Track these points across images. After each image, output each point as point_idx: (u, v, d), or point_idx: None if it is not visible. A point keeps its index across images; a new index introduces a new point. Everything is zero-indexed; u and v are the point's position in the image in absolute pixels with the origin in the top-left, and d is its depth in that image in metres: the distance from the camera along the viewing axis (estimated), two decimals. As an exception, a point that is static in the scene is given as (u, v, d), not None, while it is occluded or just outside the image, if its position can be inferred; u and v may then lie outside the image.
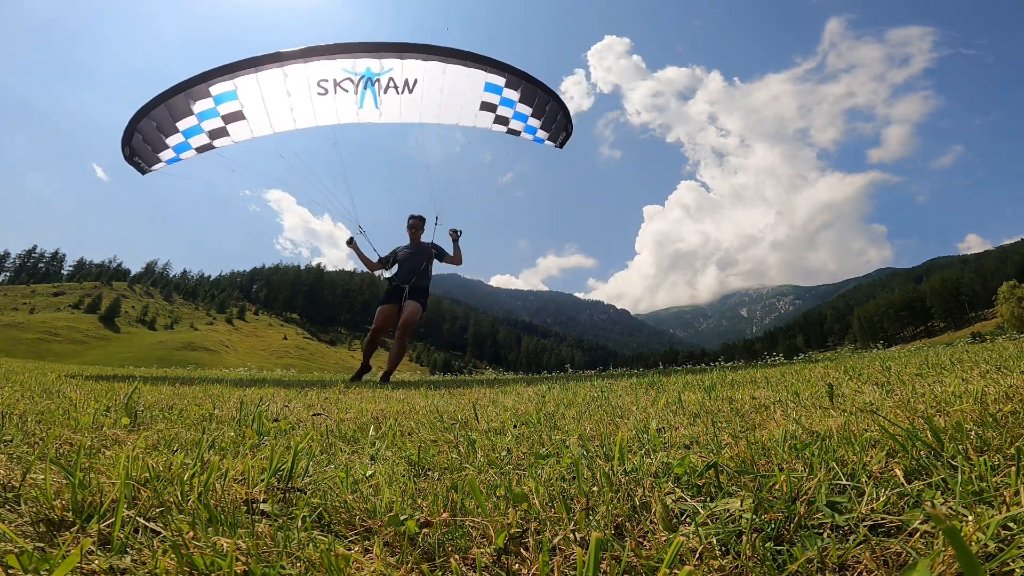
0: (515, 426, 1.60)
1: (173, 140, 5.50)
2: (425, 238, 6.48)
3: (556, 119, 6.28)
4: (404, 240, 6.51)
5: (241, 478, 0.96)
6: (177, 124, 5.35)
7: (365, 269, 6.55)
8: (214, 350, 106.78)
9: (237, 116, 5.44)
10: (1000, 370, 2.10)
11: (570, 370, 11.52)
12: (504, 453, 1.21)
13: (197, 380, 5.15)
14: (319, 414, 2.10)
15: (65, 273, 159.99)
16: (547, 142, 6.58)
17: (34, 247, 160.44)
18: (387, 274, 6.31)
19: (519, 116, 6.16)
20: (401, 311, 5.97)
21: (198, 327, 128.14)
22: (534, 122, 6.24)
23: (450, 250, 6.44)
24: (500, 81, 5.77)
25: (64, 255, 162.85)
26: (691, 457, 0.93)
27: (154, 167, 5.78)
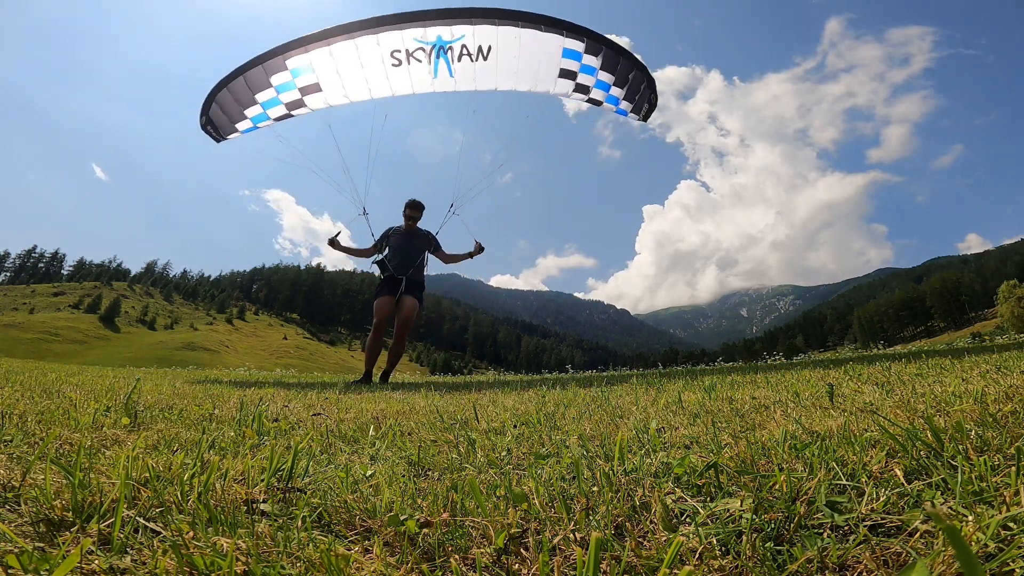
0: (515, 426, 1.60)
1: (252, 111, 5.66)
2: (433, 227, 6.10)
3: (640, 90, 5.94)
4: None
5: (241, 478, 0.96)
6: (256, 96, 5.51)
7: (357, 262, 6.34)
8: (214, 350, 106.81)
9: (314, 88, 5.55)
10: (1000, 370, 2.10)
11: (571, 370, 11.53)
12: (504, 453, 1.21)
13: (197, 380, 5.15)
14: (319, 414, 2.10)
15: (65, 273, 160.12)
16: (630, 114, 6.22)
17: (34, 247, 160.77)
18: (378, 257, 5.89)
19: (601, 85, 5.82)
20: (398, 304, 5.65)
21: (198, 327, 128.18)
22: (616, 91, 5.92)
23: (450, 249, 6.06)
24: (579, 47, 5.48)
25: (64, 255, 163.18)
26: (691, 457, 0.93)
27: (229, 136, 5.92)
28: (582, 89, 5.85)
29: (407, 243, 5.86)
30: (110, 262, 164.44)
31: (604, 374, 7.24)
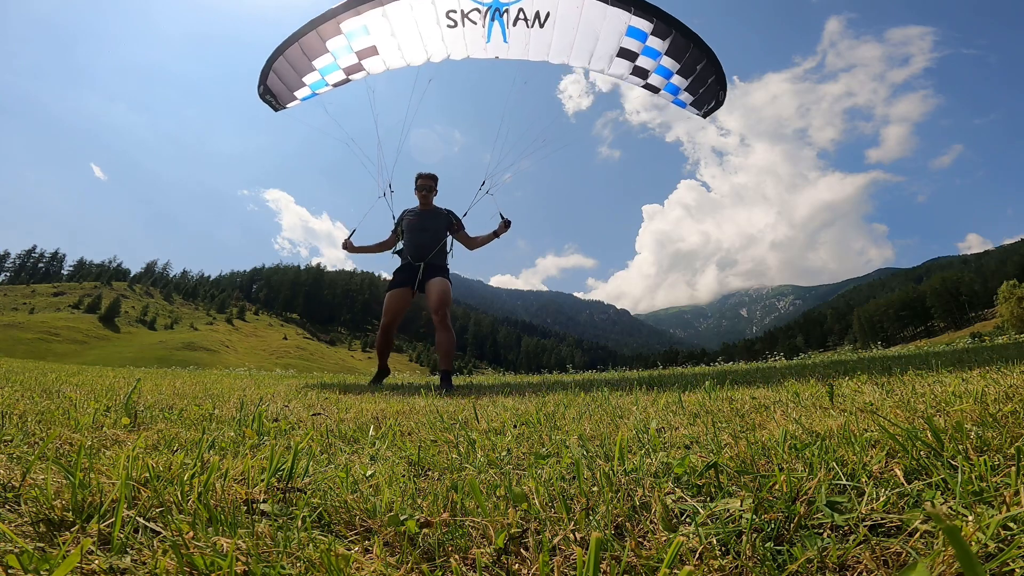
0: (515, 426, 1.60)
1: (310, 78, 5.56)
2: (457, 207, 5.39)
3: (706, 83, 5.43)
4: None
5: (241, 478, 0.96)
6: (313, 63, 5.40)
7: (356, 260, 5.96)
8: (214, 350, 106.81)
9: (371, 52, 5.42)
10: (1000, 370, 2.10)
11: (571, 369, 11.55)
12: (504, 453, 1.21)
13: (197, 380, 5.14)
14: (319, 414, 2.10)
15: (65, 273, 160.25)
16: (689, 107, 5.72)
17: (34, 247, 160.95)
18: (399, 246, 5.24)
19: (662, 71, 5.38)
20: (425, 293, 4.89)
21: (198, 327, 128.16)
22: (679, 81, 5.45)
23: (474, 232, 5.25)
24: (646, 27, 5.05)
25: (64, 255, 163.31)
26: (691, 457, 0.93)
27: (289, 104, 5.84)
28: (640, 72, 5.44)
29: (423, 224, 5.07)
30: (110, 262, 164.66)
31: (604, 375, 7.23)
